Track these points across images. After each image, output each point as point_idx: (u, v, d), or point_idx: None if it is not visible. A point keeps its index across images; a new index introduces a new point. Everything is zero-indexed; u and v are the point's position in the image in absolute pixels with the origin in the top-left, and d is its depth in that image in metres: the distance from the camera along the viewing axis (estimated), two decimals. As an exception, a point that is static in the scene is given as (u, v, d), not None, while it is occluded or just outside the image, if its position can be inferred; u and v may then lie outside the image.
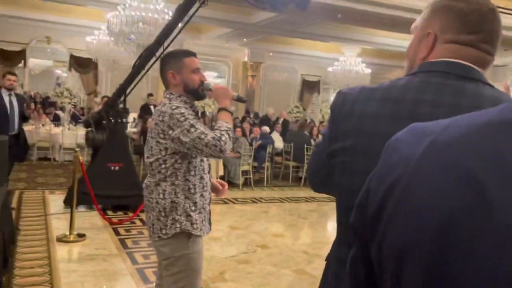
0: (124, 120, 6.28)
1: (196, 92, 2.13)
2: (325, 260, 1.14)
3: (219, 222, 5.54)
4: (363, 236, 0.63)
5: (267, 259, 4.53)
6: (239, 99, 2.28)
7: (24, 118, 6.12)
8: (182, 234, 2.01)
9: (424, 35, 0.98)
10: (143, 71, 5.70)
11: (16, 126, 5.80)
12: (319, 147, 1.11)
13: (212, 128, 2.00)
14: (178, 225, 2.00)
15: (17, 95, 6.01)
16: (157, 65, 12.98)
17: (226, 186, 2.37)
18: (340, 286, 0.86)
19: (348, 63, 14.50)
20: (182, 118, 1.93)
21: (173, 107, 1.97)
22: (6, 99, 5.67)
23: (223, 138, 1.93)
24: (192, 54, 2.14)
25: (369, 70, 14.66)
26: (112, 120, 6.04)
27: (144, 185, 2.10)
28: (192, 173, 2.03)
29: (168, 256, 2.03)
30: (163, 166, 1.99)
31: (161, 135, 1.97)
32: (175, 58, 2.12)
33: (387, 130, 0.85)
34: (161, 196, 1.99)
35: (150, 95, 12.79)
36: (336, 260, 1.06)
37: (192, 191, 2.03)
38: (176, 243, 2.01)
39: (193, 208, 2.02)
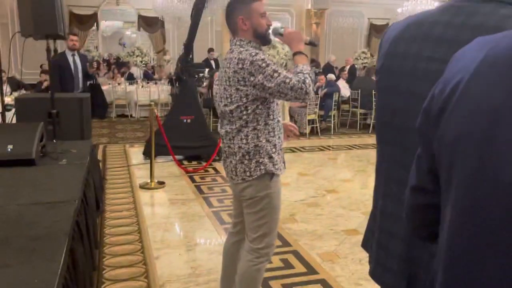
0: (196, 75, 6.54)
1: (264, 37, 2.14)
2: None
3: (288, 169, 5.64)
4: (427, 135, 0.75)
5: (336, 202, 4.65)
6: (311, 43, 2.26)
7: (88, 77, 6.39)
8: (266, 174, 2.11)
9: None
10: (200, 20, 5.86)
11: (81, 85, 6.10)
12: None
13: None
14: (262, 167, 2.09)
15: (80, 54, 6.31)
16: (219, 19, 13.07)
17: (296, 127, 2.49)
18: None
19: (420, 1, 13.65)
20: (264, 64, 1.96)
21: (253, 53, 1.99)
22: (70, 59, 6.01)
23: (307, 81, 1.99)
24: None
25: (442, 9, 13.73)
26: (185, 77, 6.32)
27: (223, 133, 2.16)
28: (271, 117, 2.10)
29: (252, 196, 2.14)
30: (244, 112, 2.04)
31: (241, 82, 2.00)
32: (243, 3, 2.10)
33: (406, 50, 1.01)
34: (244, 141, 2.08)
35: (211, 49, 12.95)
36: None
37: (272, 134, 2.11)
38: (259, 184, 2.11)
39: (273, 150, 2.12)
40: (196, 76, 6.51)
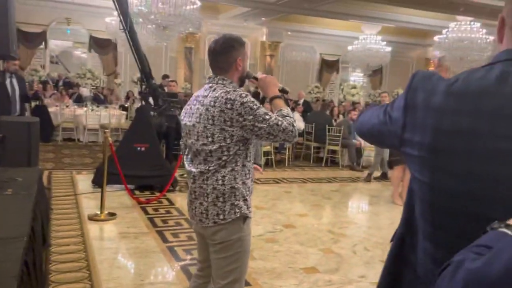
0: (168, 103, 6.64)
1: (243, 80, 2.15)
2: (390, 241, 1.17)
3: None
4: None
5: (294, 238, 4.60)
6: (283, 91, 2.27)
7: (26, 99, 6.19)
8: (240, 218, 2.03)
9: (499, 18, 0.96)
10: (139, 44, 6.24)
11: (18, 108, 5.87)
12: (379, 116, 1.11)
13: None
14: (238, 210, 2.02)
15: (17, 77, 6.08)
16: (174, 45, 13.04)
17: (260, 169, 2.46)
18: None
19: (368, 41, 14.32)
20: (255, 106, 1.95)
21: (243, 95, 1.96)
22: (7, 81, 5.76)
23: (294, 124, 2.02)
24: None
25: (389, 49, 14.46)
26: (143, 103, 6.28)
27: (196, 172, 2.06)
28: (248, 158, 2.06)
29: (225, 240, 2.04)
30: (225, 153, 1.98)
31: (228, 123, 1.95)
32: (241, 45, 2.10)
33: (470, 126, 0.88)
34: (220, 182, 2.00)
35: (166, 76, 12.72)
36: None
37: (248, 176, 2.06)
38: (233, 227, 2.03)
39: (248, 192, 2.07)
40: (169, 104, 6.49)
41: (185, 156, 2.18)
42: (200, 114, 2.03)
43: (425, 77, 1.00)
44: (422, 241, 1.01)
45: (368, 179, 7.83)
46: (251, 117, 1.94)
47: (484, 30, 11.65)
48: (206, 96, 2.04)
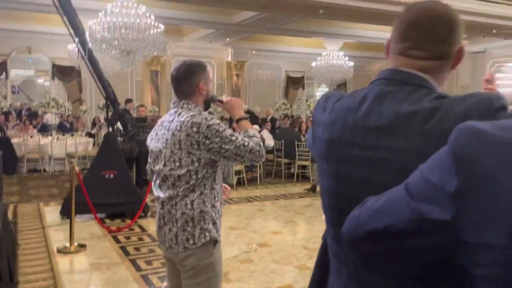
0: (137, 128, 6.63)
1: (208, 103, 2.17)
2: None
3: (218, 223, 5.58)
4: None
5: (269, 257, 4.59)
6: (249, 112, 2.31)
7: None
8: (210, 241, 2.02)
9: (386, 44, 1.13)
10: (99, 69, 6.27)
11: None
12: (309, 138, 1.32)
13: None
14: (207, 234, 2.00)
15: None
16: (139, 69, 13.00)
17: (228, 188, 2.43)
18: None
19: (331, 57, 14.63)
20: (221, 128, 1.96)
21: (208, 118, 1.98)
22: None
23: (261, 144, 2.05)
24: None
25: (351, 63, 14.80)
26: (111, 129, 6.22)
27: (164, 197, 2.05)
28: (216, 181, 2.06)
29: (195, 265, 2.02)
30: (193, 177, 1.98)
31: (195, 146, 1.95)
32: (203, 69, 2.11)
33: (339, 136, 1.08)
34: (189, 206, 1.99)
35: (129, 100, 12.51)
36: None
37: (216, 198, 2.06)
38: (203, 252, 2.01)
39: (217, 215, 2.06)
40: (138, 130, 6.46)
41: (153, 182, 2.18)
42: (166, 139, 2.04)
43: (326, 97, 1.17)
44: (329, 240, 1.16)
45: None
46: (217, 139, 1.95)
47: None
48: (171, 121, 2.05)
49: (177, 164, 1.99)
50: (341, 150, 1.05)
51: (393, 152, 0.96)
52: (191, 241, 2.00)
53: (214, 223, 2.04)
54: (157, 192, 2.11)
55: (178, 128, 1.99)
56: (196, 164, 1.98)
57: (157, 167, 2.10)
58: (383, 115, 0.99)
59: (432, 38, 1.01)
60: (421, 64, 1.02)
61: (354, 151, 1.03)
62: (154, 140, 2.14)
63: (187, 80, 2.09)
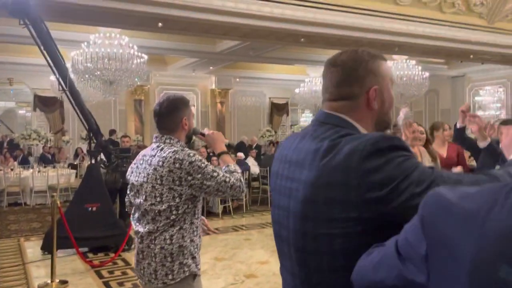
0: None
1: (190, 137, 2.20)
2: None
3: (203, 254, 5.39)
4: None
5: (256, 288, 4.50)
6: (230, 146, 2.33)
7: None
8: (190, 276, 2.01)
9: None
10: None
11: None
12: None
13: None
14: (186, 269, 2.00)
15: None
16: (123, 98, 13.00)
17: (206, 221, 2.34)
18: None
19: (314, 83, 14.81)
20: (203, 165, 1.98)
21: (190, 154, 1.99)
22: None
23: (242, 180, 2.09)
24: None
25: (334, 89, 14.99)
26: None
27: (144, 232, 2.04)
28: (196, 216, 2.07)
29: None
30: (174, 212, 1.97)
31: (177, 182, 1.95)
32: (186, 105, 2.13)
33: (276, 169, 1.24)
34: (168, 241, 1.98)
35: (113, 131, 12.44)
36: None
37: (196, 233, 2.06)
38: (182, 287, 2.01)
39: (196, 250, 2.06)
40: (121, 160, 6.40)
41: (131, 216, 2.16)
42: (148, 174, 2.04)
43: (287, 136, 1.36)
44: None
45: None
46: (199, 175, 1.96)
47: (419, 67, 12.36)
48: (153, 156, 2.05)
49: (158, 199, 1.99)
50: (276, 182, 1.21)
51: (300, 183, 1.08)
52: (170, 276, 2.00)
53: (193, 257, 2.04)
54: (136, 227, 2.11)
55: (160, 163, 1.99)
56: (177, 200, 1.98)
57: (137, 201, 2.09)
58: (301, 151, 1.13)
59: (332, 83, 1.16)
60: (333, 105, 1.15)
61: (282, 181, 1.18)
62: (135, 174, 2.14)
63: (170, 116, 2.10)
